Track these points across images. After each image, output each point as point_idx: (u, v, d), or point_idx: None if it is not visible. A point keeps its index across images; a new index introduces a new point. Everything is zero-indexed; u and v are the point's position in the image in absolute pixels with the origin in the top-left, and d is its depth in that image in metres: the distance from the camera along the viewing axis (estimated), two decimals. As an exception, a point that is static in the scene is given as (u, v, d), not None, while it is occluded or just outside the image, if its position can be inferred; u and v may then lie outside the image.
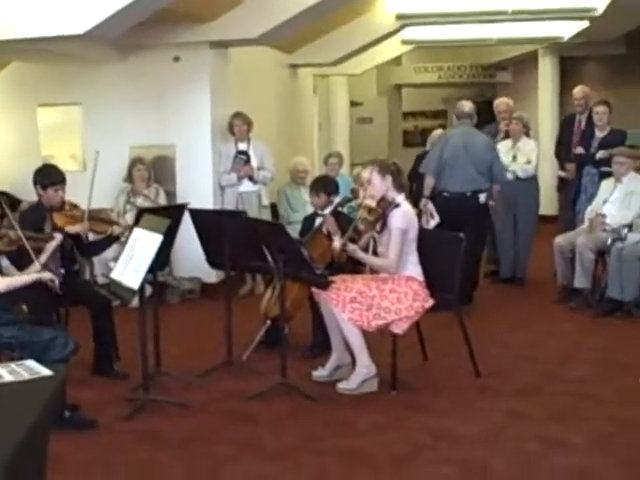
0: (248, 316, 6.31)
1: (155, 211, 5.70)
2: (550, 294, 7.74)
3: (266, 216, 8.18)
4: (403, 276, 5.23)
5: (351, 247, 5.18)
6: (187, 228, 5.88)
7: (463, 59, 16.71)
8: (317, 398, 5.07)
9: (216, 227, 5.76)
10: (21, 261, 4.97)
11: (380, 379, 5.24)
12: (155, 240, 4.66)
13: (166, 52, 8.17)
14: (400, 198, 5.28)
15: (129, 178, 8.06)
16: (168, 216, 4.96)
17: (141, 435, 4.61)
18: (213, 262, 6.09)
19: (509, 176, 8.28)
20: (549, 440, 4.42)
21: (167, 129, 8.33)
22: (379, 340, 5.36)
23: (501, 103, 9.05)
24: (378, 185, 5.25)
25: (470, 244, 5.63)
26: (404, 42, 13.12)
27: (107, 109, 8.41)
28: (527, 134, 8.48)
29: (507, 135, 8.58)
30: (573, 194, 8.32)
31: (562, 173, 8.72)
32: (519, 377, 5.53)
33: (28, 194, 6.41)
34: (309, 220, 6.54)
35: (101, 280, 6.76)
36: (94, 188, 5.76)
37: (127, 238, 5.10)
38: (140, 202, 7.90)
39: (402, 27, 11.26)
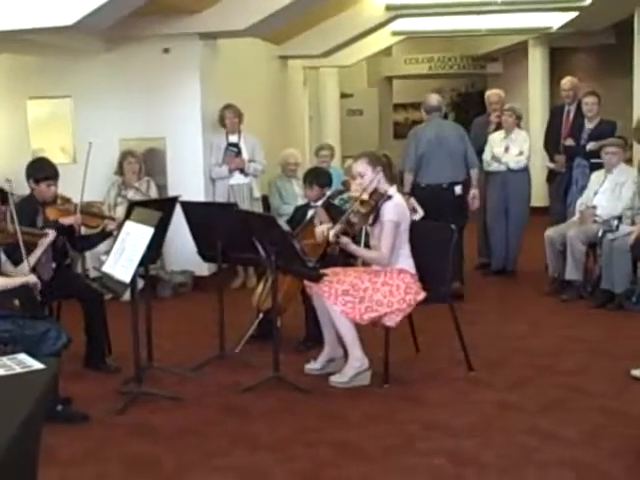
0: (240, 309, 6.31)
1: (146, 204, 5.69)
2: (541, 286, 7.77)
3: (257, 208, 8.18)
4: (395, 269, 5.23)
5: (344, 240, 5.17)
6: (178, 221, 5.86)
7: (453, 50, 16.72)
8: (310, 391, 5.07)
9: (208, 220, 5.75)
10: (16, 256, 4.95)
11: (372, 372, 5.24)
12: (147, 233, 4.66)
13: (155, 44, 8.15)
14: (392, 190, 5.27)
15: (120, 171, 8.04)
16: (159, 209, 4.94)
17: (133, 428, 4.61)
18: (205, 255, 6.08)
19: (501, 168, 8.29)
20: (540, 432, 4.43)
21: (157, 121, 8.30)
22: (371, 333, 5.37)
23: (493, 94, 9.05)
24: (369, 177, 5.24)
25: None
26: (394, 33, 13.12)
27: (97, 101, 8.38)
28: (519, 125, 8.48)
29: (498, 127, 8.58)
30: (564, 186, 8.33)
31: (551, 165, 8.72)
32: (510, 369, 5.54)
33: (18, 188, 6.37)
34: (301, 210, 6.52)
35: (93, 273, 6.74)
36: (86, 180, 5.75)
37: (118, 231, 5.09)
38: (131, 195, 7.88)
39: (392, 18, 11.24)
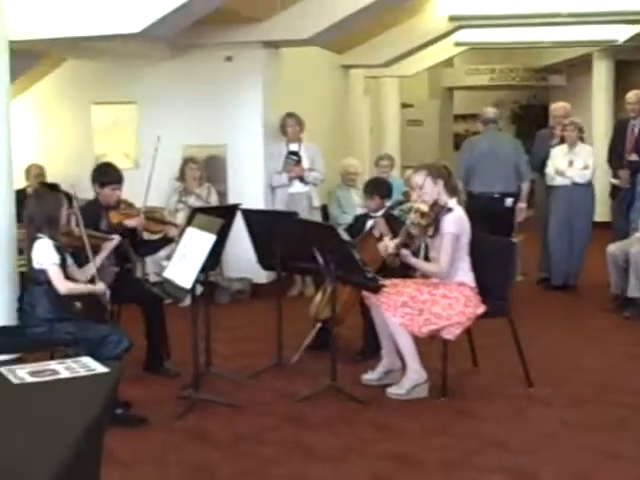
0: (298, 318, 6.30)
1: (208, 211, 5.73)
2: (603, 303, 7.63)
3: (316, 217, 8.18)
4: (455, 281, 5.18)
5: (404, 252, 5.15)
6: (237, 228, 5.89)
7: (516, 61, 16.56)
8: (366, 402, 5.05)
9: (268, 228, 5.77)
10: (81, 258, 5.02)
11: (430, 385, 5.20)
12: (208, 240, 4.68)
13: (219, 51, 8.22)
14: (452, 202, 5.23)
15: (181, 177, 8.11)
16: (221, 216, 4.97)
17: (191, 433, 4.63)
18: (264, 263, 6.09)
19: (565, 182, 8.17)
20: (601, 451, 4.34)
21: (219, 129, 8.37)
22: (429, 345, 5.33)
23: (559, 107, 8.91)
24: (430, 189, 5.21)
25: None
26: (457, 44, 13.05)
27: (160, 108, 8.48)
28: (582, 139, 8.36)
29: (562, 140, 8.45)
30: (627, 202, 8.18)
31: (615, 180, 8.58)
32: (571, 386, 5.45)
33: (81, 191, 6.46)
34: (360, 219, 6.48)
35: (153, 278, 6.80)
36: (147, 186, 5.80)
37: (179, 237, 5.13)
38: (192, 201, 7.95)
39: (455, 29, 11.19)
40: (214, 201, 8.07)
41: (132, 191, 5.92)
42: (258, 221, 5.97)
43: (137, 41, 7.05)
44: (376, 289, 5.12)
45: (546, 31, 12.26)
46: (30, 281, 4.77)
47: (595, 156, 8.45)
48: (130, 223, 5.68)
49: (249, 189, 8.23)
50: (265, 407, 5.07)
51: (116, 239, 5.27)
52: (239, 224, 5.91)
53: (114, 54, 7.88)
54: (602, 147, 10.34)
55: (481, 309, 5.20)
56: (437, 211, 5.17)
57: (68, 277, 4.75)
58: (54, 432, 2.24)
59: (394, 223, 5.96)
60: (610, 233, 8.51)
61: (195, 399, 4.99)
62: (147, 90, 8.52)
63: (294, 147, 8.31)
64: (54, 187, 5.08)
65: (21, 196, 6.59)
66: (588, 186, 8.30)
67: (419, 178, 5.27)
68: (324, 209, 8.58)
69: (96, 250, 5.09)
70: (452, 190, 5.33)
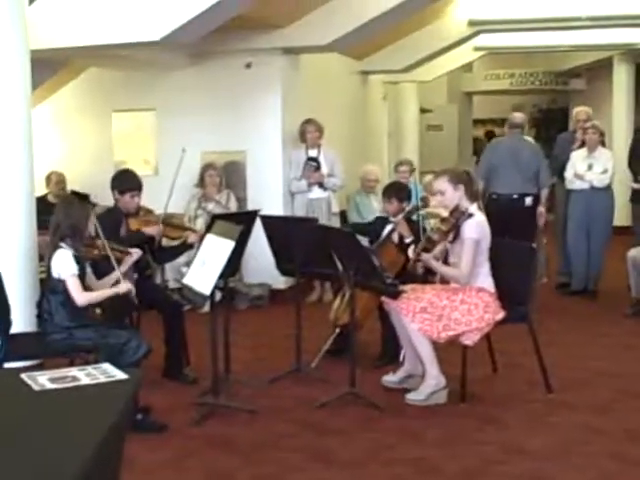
0: (316, 323, 6.31)
1: (227, 217, 5.74)
2: (623, 307, 7.59)
3: (335, 223, 8.19)
4: (474, 287, 5.17)
5: (425, 256, 5.15)
6: (257, 234, 5.90)
7: (535, 65, 16.51)
8: (386, 408, 5.04)
9: (287, 234, 5.77)
10: (100, 269, 5.04)
11: (449, 390, 5.19)
12: (227, 246, 4.69)
13: (238, 58, 8.25)
14: (473, 208, 5.22)
15: (201, 183, 8.13)
16: (240, 222, 4.98)
17: (210, 440, 4.64)
18: (283, 269, 6.10)
19: (584, 186, 8.14)
20: (623, 457, 4.31)
21: (238, 135, 8.40)
22: (448, 351, 5.32)
23: (581, 112, 8.89)
24: (451, 195, 5.20)
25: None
26: (476, 49, 13.04)
27: (180, 115, 8.52)
28: (603, 143, 8.33)
29: (583, 144, 8.42)
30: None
31: (635, 185, 8.53)
32: (591, 392, 5.42)
33: (101, 198, 6.52)
34: (380, 222, 6.45)
35: (172, 285, 6.84)
36: (167, 192, 5.83)
37: (199, 244, 5.14)
38: (211, 207, 7.97)
39: (475, 34, 11.18)
40: (233, 207, 8.09)
41: (152, 198, 5.95)
42: (277, 227, 5.97)
43: (157, 49, 7.09)
44: (396, 295, 5.12)
45: (566, 35, 12.22)
46: (48, 289, 4.78)
47: (615, 160, 8.40)
48: (149, 231, 5.70)
49: (268, 195, 8.26)
50: (284, 413, 5.08)
51: (136, 254, 5.22)
52: (258, 230, 5.92)
53: (134, 62, 7.93)
54: (622, 151, 10.28)
55: (500, 315, 5.18)
56: (457, 217, 5.16)
57: (86, 287, 4.76)
58: (74, 439, 2.26)
59: (413, 228, 5.97)
60: (630, 238, 8.46)
61: (214, 405, 5.00)
62: (167, 97, 8.57)
63: (313, 153, 8.32)
64: (84, 198, 5.09)
65: (41, 203, 6.65)
66: (607, 190, 8.26)
67: (441, 183, 5.26)
68: (342, 215, 8.58)
69: (117, 263, 5.11)
70: (473, 195, 5.31)
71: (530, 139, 9.04)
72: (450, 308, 5.09)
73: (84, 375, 2.85)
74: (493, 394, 5.39)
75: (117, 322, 5.12)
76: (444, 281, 5.51)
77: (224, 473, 4.23)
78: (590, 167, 8.18)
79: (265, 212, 6.11)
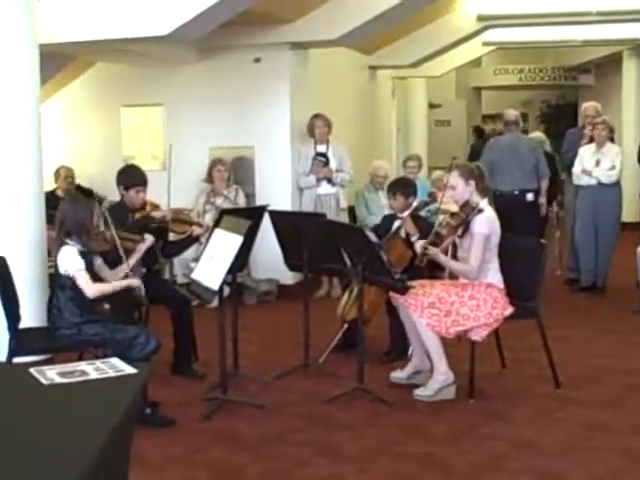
0: (325, 319, 6.31)
1: (235, 212, 5.74)
2: (632, 303, 7.57)
3: (343, 219, 8.19)
4: (483, 283, 5.16)
5: (433, 250, 5.13)
6: (265, 229, 5.90)
7: (544, 61, 16.47)
8: (394, 404, 5.04)
9: (295, 229, 5.77)
10: (113, 260, 5.05)
11: (457, 386, 5.18)
12: (236, 241, 4.69)
13: (246, 53, 8.25)
14: (483, 203, 5.20)
15: (209, 178, 8.13)
16: (248, 217, 4.98)
17: (218, 434, 4.65)
18: (291, 264, 6.10)
19: (591, 182, 8.11)
20: (632, 453, 4.31)
21: (247, 130, 8.40)
22: (457, 346, 5.31)
23: (590, 107, 8.84)
24: (461, 190, 5.18)
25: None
26: (485, 44, 13.01)
27: (189, 110, 8.53)
28: (612, 139, 8.30)
29: (592, 140, 8.38)
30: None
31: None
32: (600, 388, 5.41)
33: (110, 193, 6.53)
34: (388, 220, 6.45)
35: (180, 280, 6.84)
36: (176, 187, 5.83)
37: (207, 239, 5.14)
38: (219, 202, 7.97)
39: (484, 29, 11.15)
40: (242, 202, 8.09)
41: (160, 192, 5.95)
42: (285, 223, 5.97)
43: (165, 43, 7.09)
44: (404, 290, 5.11)
45: (575, 30, 12.18)
46: (57, 286, 4.79)
47: (624, 156, 8.37)
48: (157, 215, 5.70)
49: (277, 190, 8.25)
50: (292, 408, 5.08)
51: (149, 239, 5.30)
52: (266, 226, 5.92)
53: (143, 57, 7.93)
54: (631, 146, 10.26)
55: (509, 311, 5.16)
56: (467, 212, 5.15)
57: (97, 278, 4.77)
58: (83, 432, 2.26)
59: (421, 224, 5.95)
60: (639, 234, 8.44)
61: (222, 400, 5.01)
62: (175, 92, 8.57)
63: (322, 148, 8.31)
64: (88, 193, 5.10)
65: (50, 198, 6.67)
66: (615, 186, 8.22)
67: (452, 178, 5.24)
68: (351, 210, 8.57)
69: (130, 252, 5.12)
70: (484, 190, 5.29)
71: (525, 135, 9.23)
72: (459, 303, 5.08)
73: (93, 369, 2.86)
74: (501, 390, 5.39)
75: (126, 317, 5.12)
76: (452, 276, 5.50)
77: (232, 468, 4.23)
78: (598, 163, 8.14)
79: (273, 207, 6.10)
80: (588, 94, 15.02)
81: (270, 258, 7.11)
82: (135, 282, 4.84)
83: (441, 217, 5.23)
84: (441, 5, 9.90)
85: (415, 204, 6.22)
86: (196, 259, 5.43)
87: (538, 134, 10.61)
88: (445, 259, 5.28)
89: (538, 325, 5.34)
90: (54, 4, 6.53)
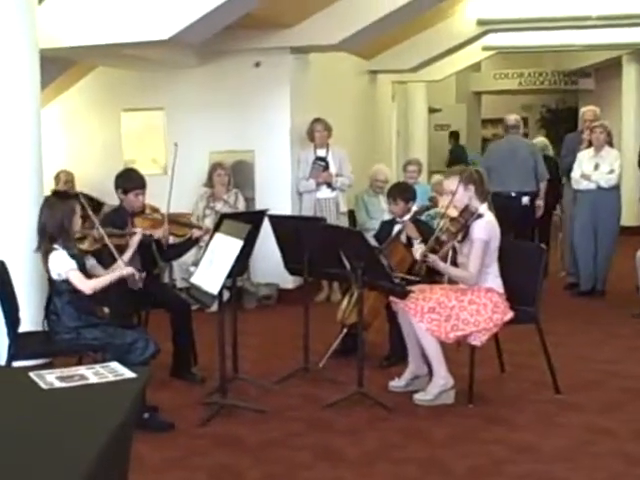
0: (324, 323, 6.31)
1: (235, 216, 5.74)
2: (632, 308, 7.56)
3: (343, 223, 8.18)
4: (483, 287, 5.15)
5: (432, 257, 5.12)
6: (265, 233, 5.89)
7: (544, 65, 16.49)
8: (393, 408, 5.04)
9: (295, 234, 5.77)
10: (106, 260, 5.03)
11: (457, 391, 5.18)
12: (235, 246, 4.69)
13: (247, 57, 8.26)
14: (483, 208, 5.19)
15: (209, 183, 8.13)
16: (248, 222, 4.98)
17: (218, 439, 4.64)
18: (291, 268, 6.10)
19: (590, 186, 8.12)
20: (632, 458, 4.30)
21: (247, 134, 8.40)
22: (456, 351, 5.31)
23: (588, 111, 8.86)
24: (461, 195, 5.17)
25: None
26: (485, 48, 13.02)
27: (189, 114, 8.53)
28: (610, 143, 8.30)
29: (590, 144, 8.39)
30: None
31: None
32: (600, 393, 5.41)
33: (111, 197, 6.52)
34: (387, 225, 6.46)
35: (180, 284, 6.84)
36: (176, 191, 5.82)
37: (207, 243, 5.14)
38: (219, 207, 7.97)
39: (484, 33, 11.16)
40: (242, 207, 8.09)
41: (160, 197, 5.94)
42: (285, 227, 5.97)
43: (166, 48, 7.10)
44: (404, 295, 5.11)
45: (575, 34, 12.20)
46: (53, 292, 4.73)
47: (623, 160, 8.38)
48: (156, 234, 5.66)
49: (276, 194, 8.25)
50: (292, 412, 5.08)
51: (139, 232, 5.27)
52: (266, 230, 5.92)
53: (143, 61, 7.93)
54: (631, 151, 10.27)
55: (509, 315, 5.16)
56: (467, 217, 5.13)
57: (92, 277, 4.74)
58: (82, 437, 2.26)
59: (422, 228, 5.95)
60: (639, 238, 8.44)
61: (222, 404, 5.00)
62: (175, 97, 8.58)
63: (322, 153, 8.31)
64: (64, 195, 5.04)
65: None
66: (614, 190, 8.23)
67: (451, 183, 5.22)
68: (351, 214, 8.57)
69: (122, 249, 5.09)
70: (483, 195, 5.28)
71: (525, 138, 9.37)
72: (458, 308, 5.07)
73: (92, 374, 2.86)
74: (501, 394, 5.38)
75: (125, 321, 5.11)
76: (452, 281, 5.49)
77: (232, 472, 4.23)
78: (597, 167, 8.15)
79: (273, 212, 6.10)
80: (588, 98, 15.04)
81: (270, 262, 7.11)
82: (127, 270, 4.78)
83: (441, 222, 5.22)
84: (441, 10, 9.91)
85: (415, 208, 6.22)
86: (196, 263, 5.43)
87: (541, 139, 10.62)
88: (444, 266, 5.26)
89: (538, 330, 5.34)
90: (55, 9, 6.53)
